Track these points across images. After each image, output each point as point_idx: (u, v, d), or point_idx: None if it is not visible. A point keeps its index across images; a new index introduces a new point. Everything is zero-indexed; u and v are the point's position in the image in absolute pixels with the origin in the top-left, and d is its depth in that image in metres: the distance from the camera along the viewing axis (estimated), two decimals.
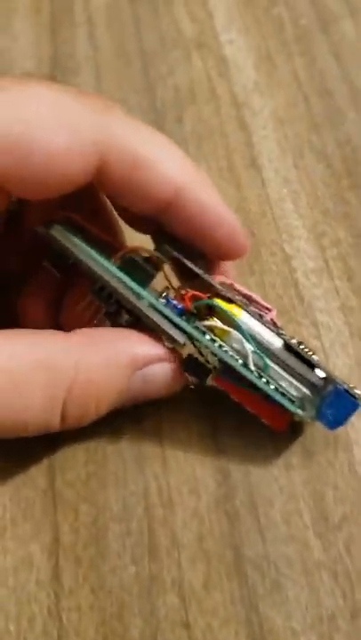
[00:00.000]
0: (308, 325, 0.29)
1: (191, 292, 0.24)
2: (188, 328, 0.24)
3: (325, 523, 0.24)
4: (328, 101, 0.36)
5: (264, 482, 0.25)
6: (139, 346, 0.24)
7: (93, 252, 0.24)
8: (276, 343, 0.24)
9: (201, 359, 0.24)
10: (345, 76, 0.37)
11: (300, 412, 0.24)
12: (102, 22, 0.41)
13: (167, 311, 0.24)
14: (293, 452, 0.26)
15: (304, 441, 0.26)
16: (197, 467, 0.26)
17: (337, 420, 0.24)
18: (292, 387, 0.24)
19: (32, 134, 0.21)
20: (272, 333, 0.24)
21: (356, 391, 0.24)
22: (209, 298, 0.24)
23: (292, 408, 0.24)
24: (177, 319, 0.24)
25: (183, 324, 0.24)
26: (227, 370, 0.24)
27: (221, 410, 0.26)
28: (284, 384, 0.24)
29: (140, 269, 0.24)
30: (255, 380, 0.24)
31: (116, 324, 0.25)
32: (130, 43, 0.40)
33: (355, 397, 0.23)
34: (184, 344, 0.24)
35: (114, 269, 0.24)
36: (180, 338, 0.24)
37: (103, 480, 0.25)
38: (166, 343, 0.24)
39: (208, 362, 0.24)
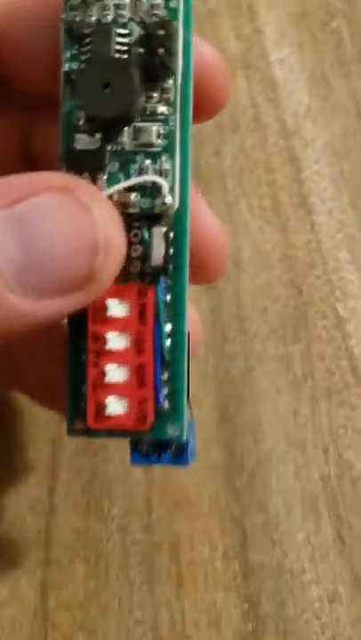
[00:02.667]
0: None
1: None
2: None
3: None
4: None
5: (303, 617, 0.20)
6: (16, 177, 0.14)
7: None
8: None
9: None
10: None
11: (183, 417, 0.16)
12: None
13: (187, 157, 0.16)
14: (341, 578, 0.21)
15: (352, 563, 0.21)
16: (220, 592, 0.21)
17: (193, 452, 0.17)
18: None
19: None
20: None
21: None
22: None
23: (181, 407, 0.16)
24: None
25: (190, 188, 0.16)
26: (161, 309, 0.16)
27: (252, 521, 0.22)
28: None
29: None
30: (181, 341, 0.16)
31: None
32: None
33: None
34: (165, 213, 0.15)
35: None
36: (175, 199, 0.16)
37: (104, 603, 0.21)
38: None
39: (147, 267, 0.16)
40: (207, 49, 0.17)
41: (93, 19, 0.16)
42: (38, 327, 0.13)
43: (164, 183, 0.15)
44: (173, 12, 0.16)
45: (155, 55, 0.15)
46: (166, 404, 0.16)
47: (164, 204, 0.15)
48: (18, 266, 0.13)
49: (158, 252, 0.15)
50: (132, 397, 0.15)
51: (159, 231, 0.15)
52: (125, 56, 0.15)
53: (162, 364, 0.16)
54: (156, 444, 0.16)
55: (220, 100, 0.18)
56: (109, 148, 0.15)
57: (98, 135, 0.15)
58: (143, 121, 0.15)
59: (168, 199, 0.15)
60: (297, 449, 0.23)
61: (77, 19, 0.16)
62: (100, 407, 0.15)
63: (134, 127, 0.15)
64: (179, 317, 0.16)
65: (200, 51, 0.17)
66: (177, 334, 0.16)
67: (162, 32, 0.15)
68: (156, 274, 0.15)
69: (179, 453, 0.17)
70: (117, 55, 0.15)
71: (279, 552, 0.21)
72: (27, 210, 0.13)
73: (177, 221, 0.16)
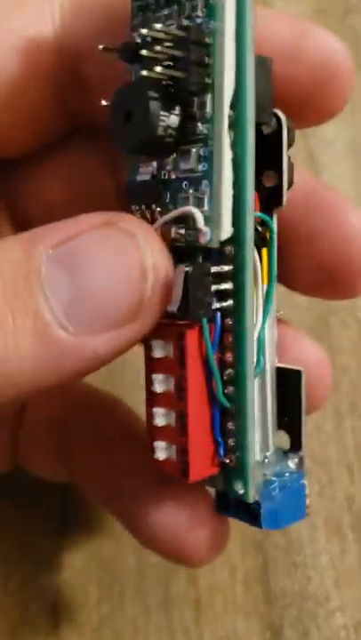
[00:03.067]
0: None
1: None
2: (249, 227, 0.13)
3: None
4: None
5: None
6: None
7: None
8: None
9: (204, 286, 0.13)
10: None
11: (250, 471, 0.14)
12: None
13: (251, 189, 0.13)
14: None
15: None
16: (240, 618, 0.20)
17: (277, 515, 0.15)
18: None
19: None
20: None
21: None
22: None
23: (244, 463, 0.14)
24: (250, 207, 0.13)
25: (250, 216, 0.13)
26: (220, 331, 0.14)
27: (274, 543, 0.21)
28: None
29: None
30: (249, 374, 0.14)
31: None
32: None
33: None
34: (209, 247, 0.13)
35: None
36: (226, 231, 0.13)
37: (119, 628, 0.20)
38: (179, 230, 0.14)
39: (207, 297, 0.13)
40: (338, 45, 0.15)
41: (146, 34, 0.13)
42: (94, 366, 0.13)
43: (199, 214, 0.13)
44: (212, 11, 0.13)
45: (174, 73, 0.13)
46: (232, 459, 0.14)
47: (200, 236, 0.13)
48: (69, 303, 0.12)
49: (176, 295, 0.13)
50: (176, 445, 0.14)
51: (179, 270, 0.13)
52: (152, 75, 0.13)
53: (221, 414, 0.14)
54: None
55: (340, 101, 0.16)
56: (162, 177, 0.14)
57: (154, 164, 0.14)
58: (187, 143, 0.14)
59: (204, 230, 0.13)
60: (320, 467, 0.22)
61: (129, 39, 0.14)
62: (152, 449, 0.14)
63: (181, 151, 0.14)
64: (240, 362, 0.14)
65: (332, 48, 0.15)
66: (239, 381, 0.14)
67: (180, 46, 0.13)
68: (180, 317, 0.13)
69: (253, 513, 0.14)
70: (163, 70, 0.13)
71: (302, 577, 0.20)
72: (73, 248, 0.13)
73: (236, 252, 0.13)
